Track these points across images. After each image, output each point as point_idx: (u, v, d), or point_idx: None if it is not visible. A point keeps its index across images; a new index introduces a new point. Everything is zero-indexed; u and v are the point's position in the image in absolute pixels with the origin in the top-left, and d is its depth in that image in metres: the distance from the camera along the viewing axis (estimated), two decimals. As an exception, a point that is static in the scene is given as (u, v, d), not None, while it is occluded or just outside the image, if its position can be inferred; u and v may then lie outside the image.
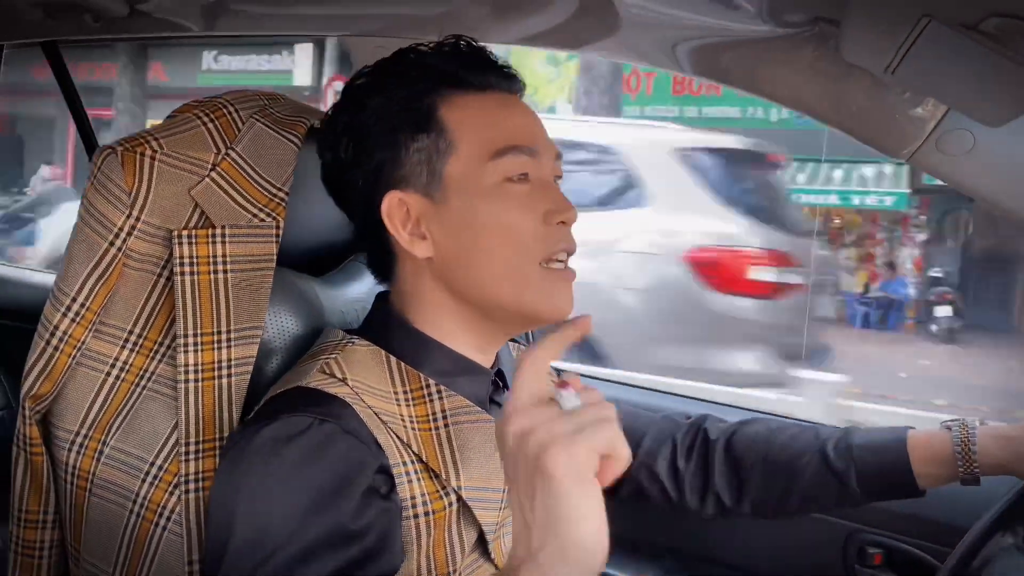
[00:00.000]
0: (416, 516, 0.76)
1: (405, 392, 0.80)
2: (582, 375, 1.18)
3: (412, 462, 0.76)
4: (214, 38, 1.92)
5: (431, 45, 0.84)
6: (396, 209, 0.81)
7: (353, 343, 0.82)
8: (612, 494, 1.09)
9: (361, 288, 1.07)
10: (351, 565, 0.69)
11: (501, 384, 0.90)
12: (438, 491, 0.77)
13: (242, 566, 0.68)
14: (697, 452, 1.07)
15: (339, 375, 0.78)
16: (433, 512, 0.76)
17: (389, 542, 0.73)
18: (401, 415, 0.78)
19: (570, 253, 0.83)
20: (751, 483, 1.03)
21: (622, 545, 1.40)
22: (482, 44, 0.85)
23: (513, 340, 1.05)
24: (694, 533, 1.39)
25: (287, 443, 0.72)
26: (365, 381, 0.78)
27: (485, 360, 0.87)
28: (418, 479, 0.76)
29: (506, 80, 0.85)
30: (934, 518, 1.18)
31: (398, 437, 0.76)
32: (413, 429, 0.78)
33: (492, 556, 0.80)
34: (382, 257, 0.86)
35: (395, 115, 0.81)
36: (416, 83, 0.82)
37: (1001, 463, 0.93)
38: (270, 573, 0.67)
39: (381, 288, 0.90)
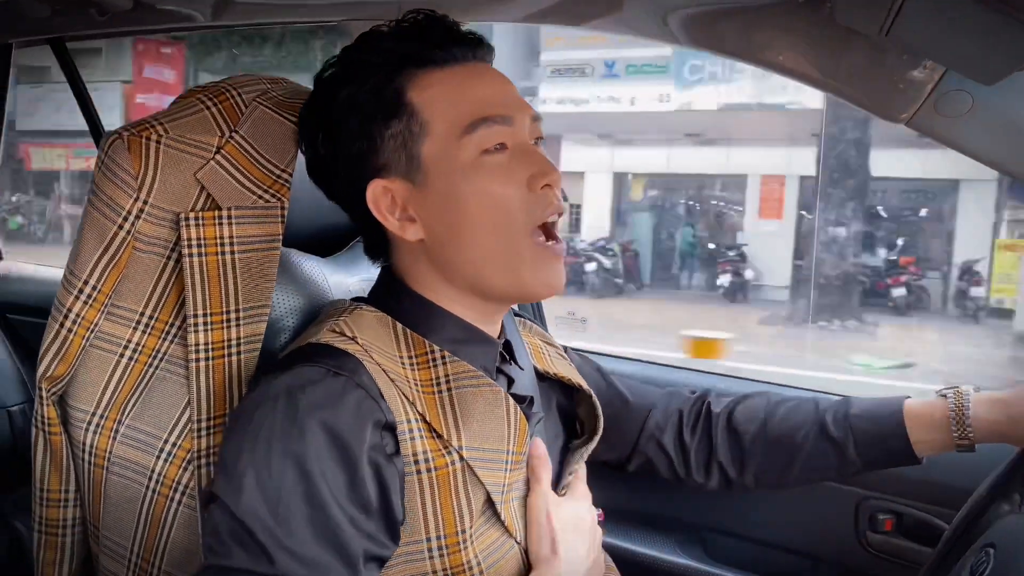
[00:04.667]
0: (419, 472, 0.77)
1: (411, 357, 0.81)
2: (583, 351, 1.19)
3: (416, 420, 0.78)
4: (218, 29, 1.92)
5: (390, 24, 0.83)
6: (381, 197, 0.82)
7: (361, 308, 0.84)
8: (622, 467, 1.11)
9: (367, 268, 1.08)
10: (354, 515, 0.71)
11: (508, 357, 0.91)
12: (440, 450, 0.78)
13: (250, 519, 0.69)
14: (701, 426, 1.08)
15: (349, 334, 0.80)
16: (436, 468, 0.77)
17: (390, 500, 0.74)
18: (407, 377, 0.79)
19: (559, 214, 0.84)
20: (753, 456, 1.04)
21: (636, 519, 1.42)
22: (442, 15, 0.83)
23: (518, 315, 1.06)
24: (705, 505, 1.39)
25: (302, 390, 0.73)
26: (373, 342, 0.80)
27: (491, 331, 0.88)
28: (421, 437, 0.77)
29: (470, 50, 0.83)
30: (943, 481, 1.18)
31: (404, 395, 0.78)
32: (418, 391, 0.79)
33: (502, 518, 0.81)
34: (378, 242, 0.88)
35: (365, 104, 0.81)
36: (380, 68, 0.81)
37: (996, 430, 0.94)
38: (279, 518, 0.69)
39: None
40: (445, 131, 0.80)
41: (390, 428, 0.76)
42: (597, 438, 0.98)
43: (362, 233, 0.89)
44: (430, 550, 0.77)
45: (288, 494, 0.70)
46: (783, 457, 1.03)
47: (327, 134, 0.84)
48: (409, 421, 0.77)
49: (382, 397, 0.76)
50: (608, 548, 1.12)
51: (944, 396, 0.97)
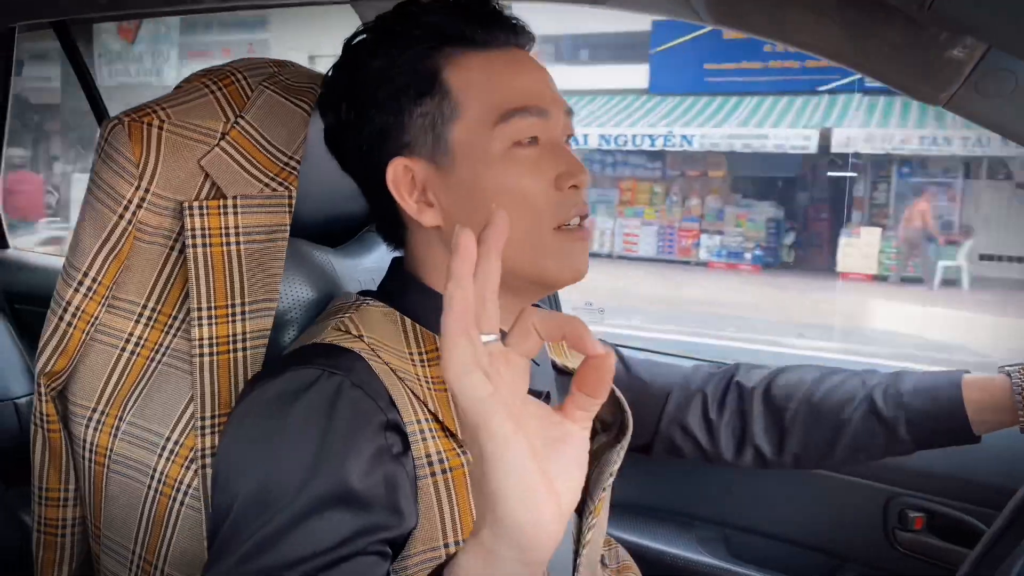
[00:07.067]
0: (434, 474, 0.73)
1: (420, 353, 0.77)
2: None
3: (428, 420, 0.74)
4: (224, 10, 1.88)
5: None
6: (402, 176, 0.78)
7: (368, 304, 0.80)
8: (647, 452, 1.07)
9: (377, 258, 1.04)
10: (358, 524, 0.66)
11: None
12: (454, 448, 0.74)
13: (246, 524, 0.66)
14: (731, 402, 1.03)
15: (355, 332, 0.76)
16: (451, 469, 0.73)
17: (399, 504, 0.70)
18: (417, 374, 0.75)
19: (583, 218, 0.80)
20: (793, 433, 0.99)
21: (656, 515, 1.39)
22: None
23: (535, 305, 1.02)
24: (727, 501, 1.36)
25: (294, 398, 0.69)
26: (381, 339, 0.76)
27: (506, 324, 0.84)
28: (433, 437, 0.73)
29: (513, 34, 0.80)
30: (978, 480, 1.14)
31: (414, 394, 0.74)
32: (429, 389, 0.75)
33: None
34: (392, 224, 0.84)
35: (397, 78, 0.77)
36: (418, 43, 0.77)
37: None
38: (275, 530, 0.64)
39: (397, 255, 0.88)
40: (478, 117, 0.76)
41: (395, 427, 0.71)
42: (629, 433, 0.93)
43: (376, 214, 0.85)
44: (448, 556, 0.74)
45: (278, 501, 0.65)
46: (826, 435, 0.98)
47: (352, 103, 0.79)
48: (420, 421, 0.73)
49: (387, 396, 0.72)
50: (627, 545, 1.09)
51: (1007, 373, 0.92)
